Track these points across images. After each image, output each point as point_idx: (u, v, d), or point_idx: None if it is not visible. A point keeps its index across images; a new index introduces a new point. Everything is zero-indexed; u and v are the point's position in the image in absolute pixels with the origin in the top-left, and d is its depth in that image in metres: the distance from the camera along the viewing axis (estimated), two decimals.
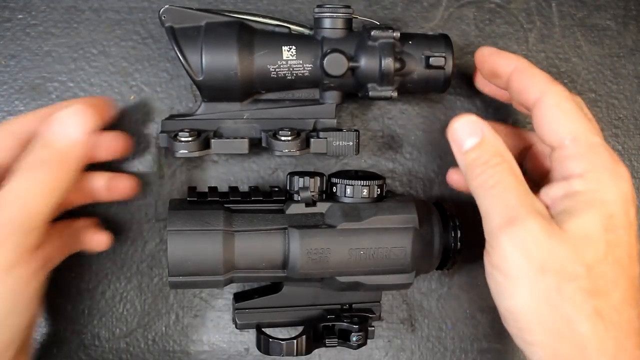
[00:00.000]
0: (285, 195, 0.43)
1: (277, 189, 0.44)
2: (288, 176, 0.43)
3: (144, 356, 0.49)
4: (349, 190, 0.42)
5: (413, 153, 0.49)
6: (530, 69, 0.41)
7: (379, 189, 0.42)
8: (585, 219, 0.36)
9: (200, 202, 0.42)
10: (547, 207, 0.38)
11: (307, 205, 0.42)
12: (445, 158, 0.50)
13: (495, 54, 0.43)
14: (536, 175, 0.45)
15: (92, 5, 0.47)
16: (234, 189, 0.45)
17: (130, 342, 0.49)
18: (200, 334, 0.49)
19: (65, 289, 0.48)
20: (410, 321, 0.50)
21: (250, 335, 0.49)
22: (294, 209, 0.42)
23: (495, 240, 0.37)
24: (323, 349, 0.50)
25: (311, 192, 0.42)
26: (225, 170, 0.48)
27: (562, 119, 0.39)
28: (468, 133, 0.39)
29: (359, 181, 0.42)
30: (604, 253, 0.36)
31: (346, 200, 0.42)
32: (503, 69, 0.42)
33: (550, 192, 0.38)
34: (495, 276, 0.37)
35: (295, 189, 0.42)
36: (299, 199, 0.42)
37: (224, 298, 0.49)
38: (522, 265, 0.36)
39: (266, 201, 0.43)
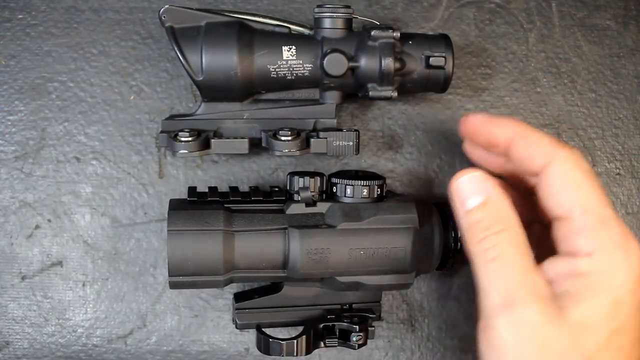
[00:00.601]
0: (286, 195, 0.43)
1: (277, 189, 0.44)
2: (288, 176, 0.43)
3: (144, 356, 0.49)
4: (349, 190, 0.42)
5: (413, 153, 0.49)
6: (532, 134, 0.38)
7: (379, 189, 0.42)
8: (590, 306, 0.33)
9: (200, 202, 0.42)
10: (550, 282, 0.35)
11: (307, 205, 0.42)
12: (446, 158, 0.50)
13: (489, 123, 0.40)
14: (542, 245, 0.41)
15: (92, 5, 0.47)
16: (234, 189, 0.45)
17: (131, 342, 0.49)
18: (200, 334, 0.49)
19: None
20: (411, 321, 0.50)
21: (250, 335, 0.49)
22: (294, 209, 0.42)
23: (492, 319, 0.34)
24: (323, 349, 0.50)
25: (311, 192, 0.42)
26: (225, 170, 0.48)
27: (571, 188, 0.36)
28: (473, 191, 0.37)
29: (359, 181, 0.42)
30: (606, 342, 0.33)
31: (346, 200, 0.42)
32: (501, 137, 0.39)
33: (555, 266, 0.35)
34: (489, 354, 0.35)
35: (296, 189, 0.42)
36: (299, 199, 0.42)
37: (224, 298, 0.49)
38: (518, 351, 0.33)
39: (266, 201, 0.43)
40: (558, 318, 0.33)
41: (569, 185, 0.36)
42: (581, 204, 0.35)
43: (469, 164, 0.43)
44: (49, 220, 0.47)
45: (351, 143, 0.43)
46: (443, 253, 0.44)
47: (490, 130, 0.40)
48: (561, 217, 0.36)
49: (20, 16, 0.47)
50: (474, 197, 0.37)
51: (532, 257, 0.35)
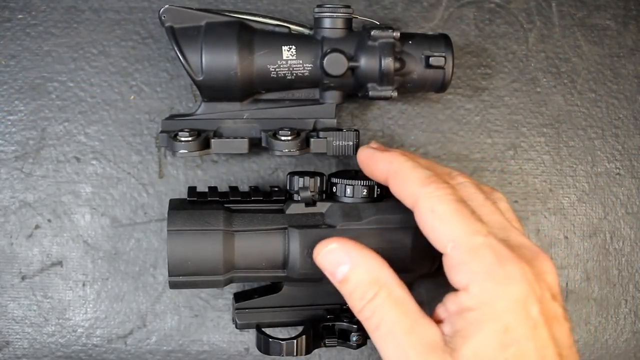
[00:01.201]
0: (285, 195, 0.43)
1: (277, 189, 0.44)
2: (288, 176, 0.43)
3: (144, 356, 0.49)
4: (349, 190, 0.42)
5: (413, 153, 0.49)
6: (401, 172, 0.38)
7: (379, 189, 0.42)
8: (478, 341, 0.33)
9: (200, 202, 0.42)
10: (443, 322, 0.35)
11: (307, 205, 0.42)
12: (445, 158, 0.50)
13: (371, 159, 0.40)
14: None
15: (92, 5, 0.47)
16: (234, 189, 0.45)
17: (131, 342, 0.49)
18: (200, 333, 0.49)
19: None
20: None
21: (250, 335, 0.49)
22: (294, 208, 0.42)
23: None
24: (323, 350, 0.50)
25: (311, 192, 0.42)
26: (225, 170, 0.48)
27: (439, 225, 0.35)
28: (336, 262, 0.37)
29: (359, 181, 0.42)
30: None
31: (346, 200, 0.42)
32: (380, 174, 0.40)
33: (447, 306, 0.35)
34: None
35: (295, 188, 0.42)
36: (299, 198, 0.42)
37: (224, 298, 0.49)
38: None
39: (266, 201, 0.43)
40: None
41: (436, 222, 0.35)
42: (450, 239, 0.35)
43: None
44: (49, 220, 0.47)
45: (351, 143, 0.43)
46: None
47: (370, 165, 0.40)
48: (441, 251, 0.36)
49: (20, 16, 0.47)
50: (339, 267, 0.37)
51: (416, 311, 0.35)
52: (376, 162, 0.40)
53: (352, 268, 0.37)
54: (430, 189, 0.36)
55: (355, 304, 0.36)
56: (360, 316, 0.36)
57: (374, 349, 0.50)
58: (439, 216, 0.35)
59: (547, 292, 0.35)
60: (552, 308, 0.34)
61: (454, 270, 0.35)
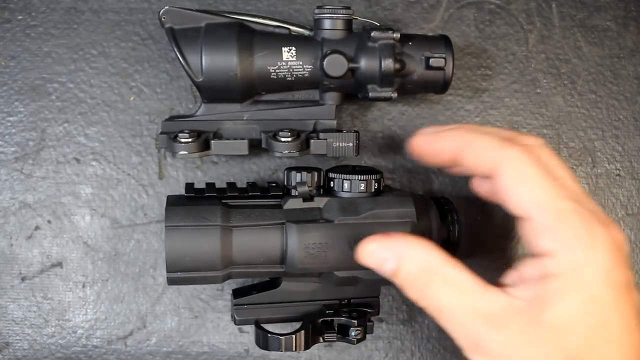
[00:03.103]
0: (283, 190, 0.43)
1: (274, 185, 0.44)
2: (285, 171, 0.43)
3: (144, 357, 0.49)
4: (346, 184, 0.42)
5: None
6: (475, 140, 0.37)
7: (376, 184, 0.42)
8: (563, 308, 0.33)
9: (198, 198, 0.42)
10: (515, 288, 0.34)
11: (305, 200, 0.42)
12: None
13: (435, 139, 0.39)
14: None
15: (92, 6, 0.47)
16: (231, 185, 0.45)
17: (131, 344, 0.48)
18: (200, 335, 0.49)
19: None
20: (411, 322, 0.50)
21: (250, 337, 0.49)
22: (292, 204, 0.42)
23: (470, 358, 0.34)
24: (324, 350, 0.50)
25: (308, 187, 0.42)
26: (225, 172, 0.48)
27: (524, 188, 0.34)
28: (380, 260, 0.37)
29: (357, 176, 0.42)
30: (587, 340, 0.32)
31: (344, 194, 0.42)
32: (448, 153, 0.38)
33: (525, 270, 0.35)
34: None
35: (293, 184, 0.42)
36: (297, 194, 0.42)
37: (224, 299, 0.49)
38: None
39: (264, 196, 0.43)
40: (533, 325, 0.33)
41: (521, 184, 0.34)
42: (536, 203, 0.34)
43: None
44: (49, 221, 0.47)
45: (351, 144, 0.43)
46: (441, 247, 0.44)
47: (435, 148, 0.39)
48: (521, 218, 0.35)
49: (20, 17, 0.47)
50: (387, 263, 0.36)
51: (476, 284, 0.35)
52: (442, 140, 0.38)
53: (399, 262, 0.36)
54: (512, 151, 0.35)
55: (412, 295, 0.36)
56: (420, 303, 0.36)
57: (374, 350, 0.50)
58: (525, 179, 0.34)
59: (626, 260, 0.34)
60: (630, 275, 0.34)
61: (539, 235, 0.34)
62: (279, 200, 0.42)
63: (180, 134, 0.41)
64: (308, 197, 0.42)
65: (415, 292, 0.36)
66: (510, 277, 0.35)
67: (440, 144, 0.38)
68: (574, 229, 0.33)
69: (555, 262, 0.33)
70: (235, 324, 0.45)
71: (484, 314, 0.34)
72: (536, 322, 0.33)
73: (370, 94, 0.42)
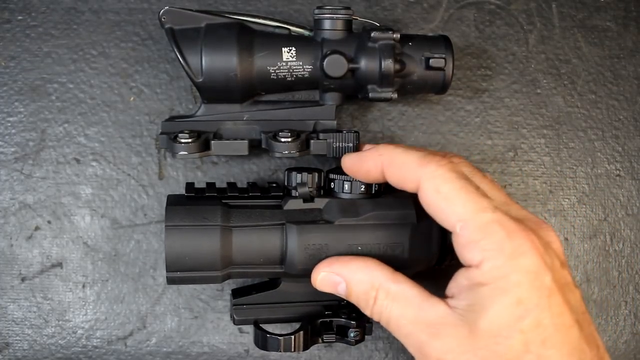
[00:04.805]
0: (283, 191, 0.43)
1: (274, 185, 0.44)
2: (286, 172, 0.43)
3: (144, 358, 0.49)
4: (346, 186, 0.42)
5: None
6: (395, 159, 0.38)
7: (376, 185, 0.42)
8: (493, 315, 0.34)
9: (198, 198, 0.42)
10: (453, 298, 0.36)
11: (305, 201, 0.42)
12: None
13: (359, 160, 0.40)
14: None
15: (91, 7, 0.47)
16: (232, 185, 0.45)
17: (131, 344, 0.48)
18: (200, 335, 0.49)
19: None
20: None
21: (251, 337, 0.49)
22: (292, 204, 0.42)
23: None
24: (324, 350, 0.50)
25: (309, 187, 0.42)
26: (225, 172, 0.48)
27: (445, 205, 0.36)
28: (332, 284, 0.39)
29: None
30: (522, 344, 0.33)
31: (344, 196, 0.42)
32: (374, 172, 0.39)
33: (458, 281, 0.36)
34: None
35: (293, 184, 0.42)
36: (297, 194, 0.42)
37: (224, 300, 0.49)
38: None
39: (264, 197, 0.43)
40: (469, 333, 0.34)
41: (442, 201, 0.36)
42: (459, 218, 0.35)
43: None
44: (49, 222, 0.47)
45: (351, 144, 0.43)
46: (441, 249, 0.44)
47: (361, 168, 0.40)
48: (450, 230, 0.36)
49: (20, 17, 0.47)
50: (339, 286, 0.39)
51: (419, 295, 0.36)
52: (366, 161, 0.40)
53: (347, 284, 0.39)
54: (430, 168, 0.36)
55: (365, 311, 0.39)
56: (374, 319, 0.38)
57: (374, 350, 0.50)
58: (445, 196, 0.36)
59: (556, 261, 0.35)
60: (563, 275, 0.35)
61: (465, 248, 0.35)
62: (279, 200, 0.42)
63: (180, 135, 0.41)
64: (308, 198, 0.42)
65: (366, 308, 0.38)
66: (450, 287, 0.37)
67: (365, 164, 0.40)
68: (496, 239, 0.34)
69: (480, 272, 0.34)
70: (234, 324, 0.45)
71: (425, 323, 0.36)
72: (471, 330, 0.34)
73: (370, 95, 0.42)
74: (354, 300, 0.39)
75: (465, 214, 0.35)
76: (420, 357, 0.36)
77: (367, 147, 0.42)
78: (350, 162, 0.41)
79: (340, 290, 0.39)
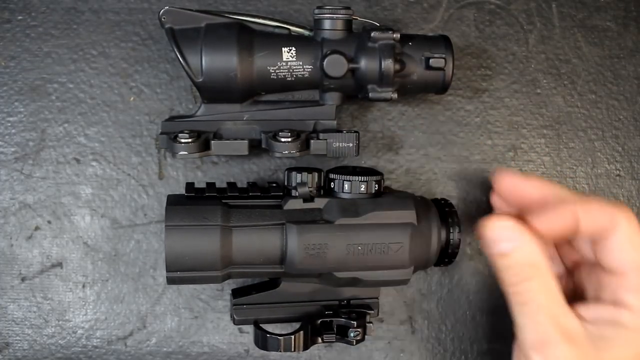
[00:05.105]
0: (283, 191, 0.43)
1: (274, 185, 0.44)
2: (286, 172, 0.43)
3: (144, 358, 0.49)
4: (346, 185, 0.42)
5: (413, 154, 0.49)
6: (591, 202, 0.41)
7: (376, 185, 0.42)
8: (621, 354, 0.38)
9: (198, 198, 0.42)
10: (586, 321, 0.39)
11: (305, 200, 0.42)
12: (445, 159, 0.50)
13: (523, 183, 0.43)
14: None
15: (91, 7, 0.47)
16: (232, 185, 0.45)
17: (131, 344, 0.48)
18: (200, 335, 0.49)
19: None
20: (410, 323, 0.50)
21: (251, 337, 0.49)
22: (292, 204, 0.42)
23: (527, 355, 0.38)
24: (324, 350, 0.50)
25: (309, 187, 0.42)
26: (225, 172, 0.48)
27: (631, 251, 0.39)
28: (503, 237, 0.39)
29: (357, 177, 0.42)
30: None
31: (344, 195, 0.42)
32: (533, 200, 0.42)
33: (598, 310, 0.39)
34: None
35: (293, 184, 0.42)
36: (297, 194, 0.42)
37: (224, 299, 0.49)
38: None
39: (264, 197, 0.43)
40: (593, 357, 0.37)
41: (631, 248, 0.39)
42: (637, 265, 0.39)
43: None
44: (49, 222, 0.47)
45: (351, 144, 0.43)
46: (441, 249, 0.44)
47: (523, 190, 0.43)
48: (615, 271, 0.39)
49: (20, 17, 0.47)
50: (504, 243, 0.39)
51: (563, 301, 0.39)
52: (530, 187, 0.43)
53: (517, 247, 0.39)
54: (629, 215, 0.39)
55: (508, 278, 0.39)
56: (509, 289, 0.39)
57: (374, 351, 0.50)
58: (635, 244, 0.39)
59: None
60: None
61: (626, 290, 0.39)
62: (279, 200, 0.42)
63: (180, 134, 0.41)
64: (308, 198, 0.42)
65: (513, 278, 0.39)
66: (587, 309, 0.40)
67: (527, 189, 0.43)
68: None
69: (631, 315, 0.38)
70: (234, 323, 0.45)
71: (560, 327, 0.38)
72: (597, 356, 0.37)
73: (370, 95, 0.42)
74: (505, 263, 0.39)
75: None
76: (538, 348, 0.38)
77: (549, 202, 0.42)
78: (511, 181, 0.44)
79: (500, 247, 0.39)
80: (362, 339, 0.44)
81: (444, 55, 0.42)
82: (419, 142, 0.49)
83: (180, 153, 0.41)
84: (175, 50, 0.41)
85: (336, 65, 0.41)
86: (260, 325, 0.44)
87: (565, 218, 0.40)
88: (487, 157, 0.50)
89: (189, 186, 0.44)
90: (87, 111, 0.47)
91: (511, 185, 0.44)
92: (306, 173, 0.42)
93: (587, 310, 0.40)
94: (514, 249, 0.39)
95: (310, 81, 0.42)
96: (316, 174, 0.42)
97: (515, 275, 0.39)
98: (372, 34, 0.41)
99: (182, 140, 0.41)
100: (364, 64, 0.41)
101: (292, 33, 0.43)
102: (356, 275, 0.42)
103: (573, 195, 0.42)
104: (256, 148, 0.43)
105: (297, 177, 0.42)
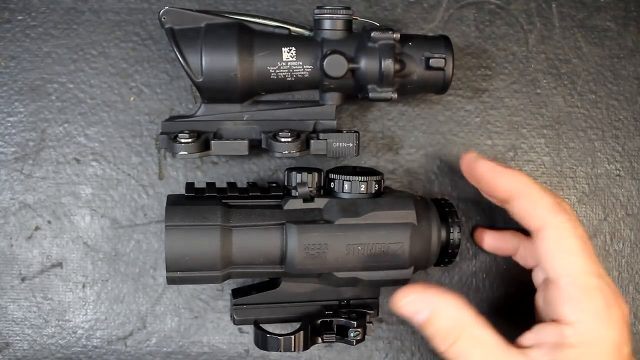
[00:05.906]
0: (283, 191, 0.43)
1: (274, 185, 0.44)
2: (286, 172, 0.43)
3: (144, 358, 0.49)
4: (346, 185, 0.42)
5: (413, 154, 0.49)
6: (532, 193, 0.39)
7: (376, 185, 0.42)
8: None
9: (198, 198, 0.42)
10: (532, 349, 0.37)
11: (305, 200, 0.42)
12: (445, 159, 0.50)
13: (495, 173, 0.41)
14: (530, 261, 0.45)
15: (91, 7, 0.47)
16: (232, 185, 0.45)
17: (131, 344, 0.48)
18: (200, 335, 0.49)
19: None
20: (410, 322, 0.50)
21: (251, 337, 0.49)
22: (292, 204, 0.42)
23: None
24: (324, 350, 0.50)
25: (309, 187, 0.42)
26: (225, 172, 0.48)
27: (561, 256, 0.38)
28: (418, 309, 0.39)
29: (357, 177, 0.42)
30: None
31: (344, 195, 0.42)
32: (503, 191, 0.41)
33: (541, 334, 0.38)
34: None
35: (293, 184, 0.42)
36: (297, 194, 0.42)
37: (224, 299, 0.49)
38: None
39: (264, 197, 0.43)
40: None
41: (560, 252, 0.38)
42: (568, 273, 0.37)
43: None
44: (49, 222, 0.47)
45: (351, 144, 0.43)
46: (441, 249, 0.44)
47: (494, 181, 0.41)
48: (550, 280, 0.38)
49: (20, 17, 0.47)
50: (420, 313, 0.39)
51: (499, 344, 0.37)
52: (502, 177, 0.41)
53: (434, 313, 0.38)
54: (561, 218, 0.38)
55: (439, 346, 0.38)
56: (445, 355, 0.38)
57: (374, 350, 0.50)
58: (564, 248, 0.37)
59: (629, 334, 0.38)
60: (631, 347, 0.38)
61: (562, 302, 0.37)
62: (279, 200, 0.42)
63: (180, 134, 0.41)
64: (308, 198, 0.42)
65: (443, 344, 0.38)
66: (528, 338, 0.38)
67: (499, 179, 0.41)
68: (596, 305, 0.37)
69: (574, 332, 0.36)
70: (234, 323, 0.45)
71: None
72: None
73: (370, 95, 0.42)
74: (430, 332, 0.39)
75: (575, 272, 0.37)
76: None
77: (496, 164, 0.42)
78: (487, 169, 0.41)
79: (419, 318, 0.39)
80: (362, 339, 0.44)
81: (444, 55, 0.42)
82: (419, 142, 0.49)
83: (180, 153, 0.41)
84: (175, 50, 0.41)
85: (336, 65, 0.41)
86: (260, 325, 0.44)
87: (505, 181, 0.39)
88: (487, 157, 0.50)
89: (189, 186, 0.44)
90: (87, 111, 0.47)
91: (486, 175, 0.42)
92: (306, 173, 0.42)
93: (532, 335, 0.38)
94: (432, 316, 0.38)
95: (310, 81, 0.42)
96: (316, 174, 0.42)
97: (444, 340, 0.38)
98: (372, 34, 0.41)
99: (182, 140, 0.41)
100: (364, 64, 0.41)
101: (292, 33, 0.43)
102: (356, 275, 0.42)
103: (536, 188, 0.40)
104: (256, 148, 0.43)
105: (297, 177, 0.42)
